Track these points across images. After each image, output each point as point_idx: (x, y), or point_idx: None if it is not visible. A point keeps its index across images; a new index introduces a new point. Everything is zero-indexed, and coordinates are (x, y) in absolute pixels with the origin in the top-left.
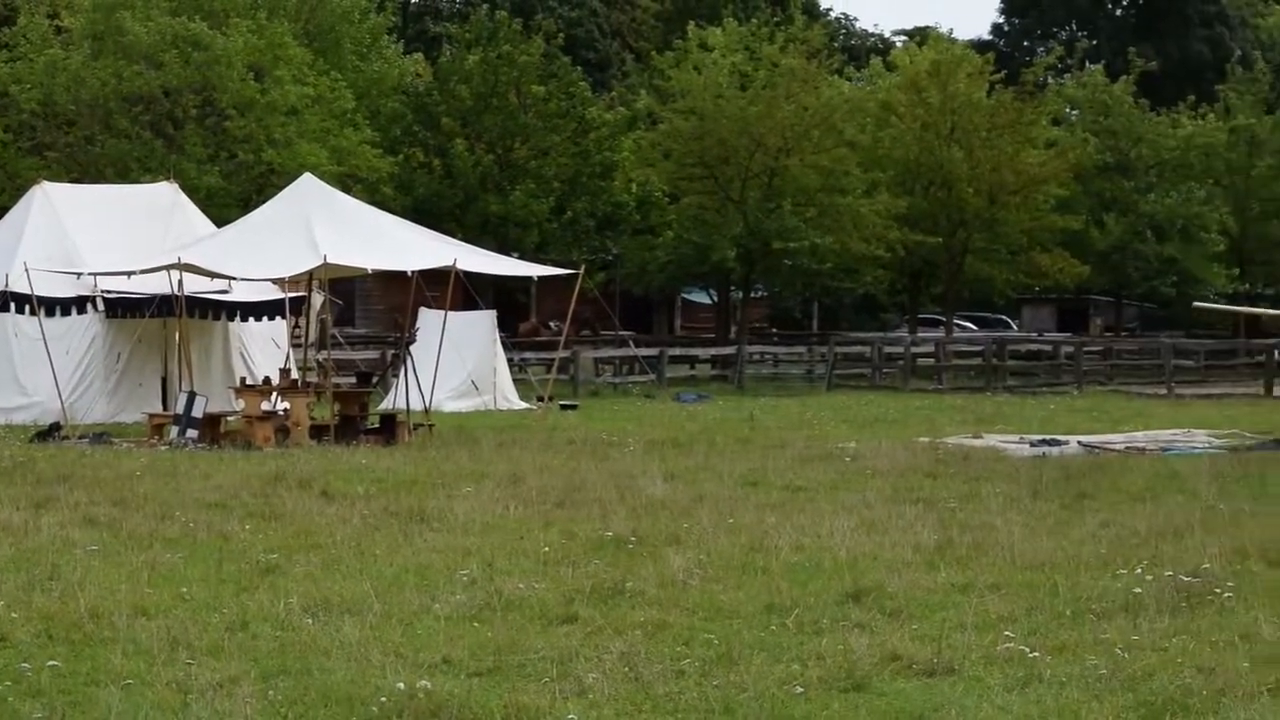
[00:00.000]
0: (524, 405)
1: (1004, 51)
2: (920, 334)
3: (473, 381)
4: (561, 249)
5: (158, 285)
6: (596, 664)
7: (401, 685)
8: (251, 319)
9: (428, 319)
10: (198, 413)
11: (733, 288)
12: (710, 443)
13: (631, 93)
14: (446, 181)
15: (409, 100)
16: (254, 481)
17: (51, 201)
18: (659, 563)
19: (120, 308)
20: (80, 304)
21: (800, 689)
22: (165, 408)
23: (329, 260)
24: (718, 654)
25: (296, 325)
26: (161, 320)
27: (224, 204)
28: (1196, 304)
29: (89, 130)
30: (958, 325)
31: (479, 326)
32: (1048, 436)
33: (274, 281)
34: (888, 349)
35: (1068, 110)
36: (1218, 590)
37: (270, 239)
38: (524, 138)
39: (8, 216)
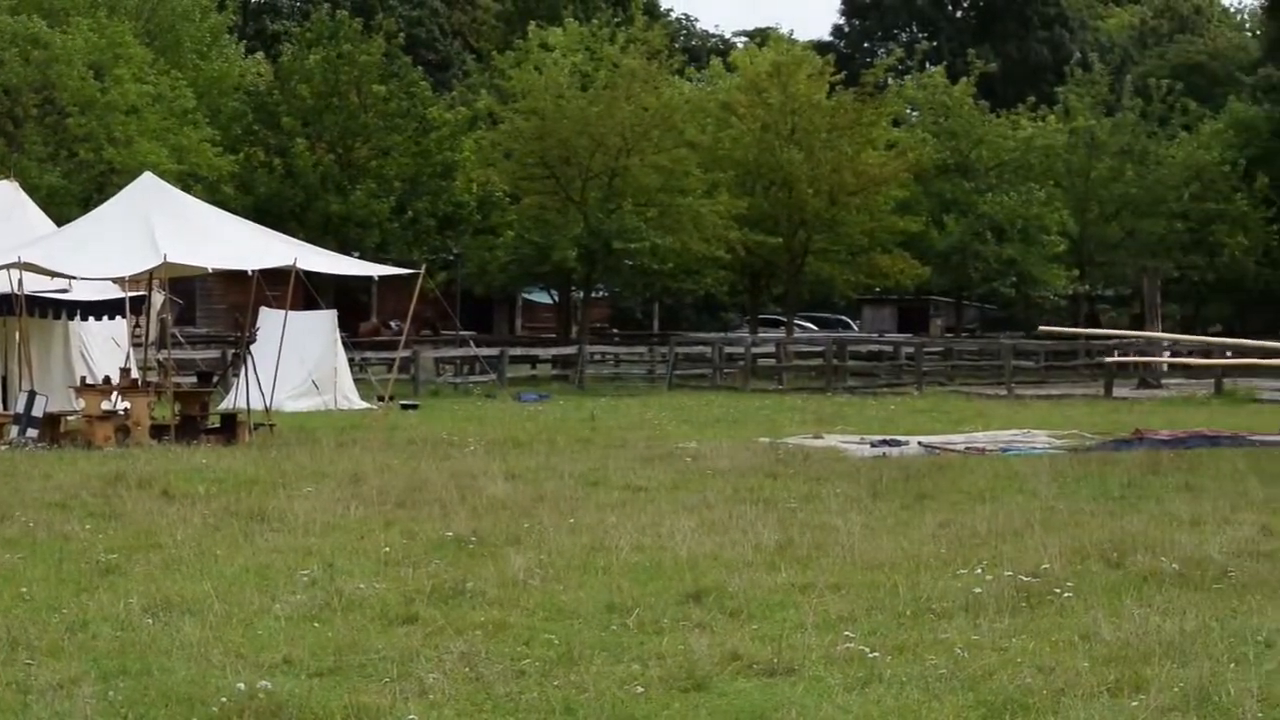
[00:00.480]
0: (365, 405)
1: (844, 53)
2: (761, 334)
3: (313, 381)
4: (402, 249)
5: None
6: (437, 664)
7: (242, 685)
8: (92, 318)
9: (268, 319)
10: (38, 412)
11: (574, 288)
12: (551, 442)
13: (472, 92)
14: (287, 181)
15: (250, 99)
16: (94, 481)
17: None
18: (500, 563)
19: None
20: None
21: (641, 689)
22: (5, 407)
23: (169, 259)
24: (558, 654)
25: (137, 324)
26: (1, 319)
27: (65, 203)
28: (1042, 328)
29: None
30: (798, 326)
31: (320, 326)
32: (888, 437)
33: (114, 281)
34: (728, 349)
35: (908, 111)
36: (1057, 590)
37: (111, 238)
38: (365, 137)
39: None
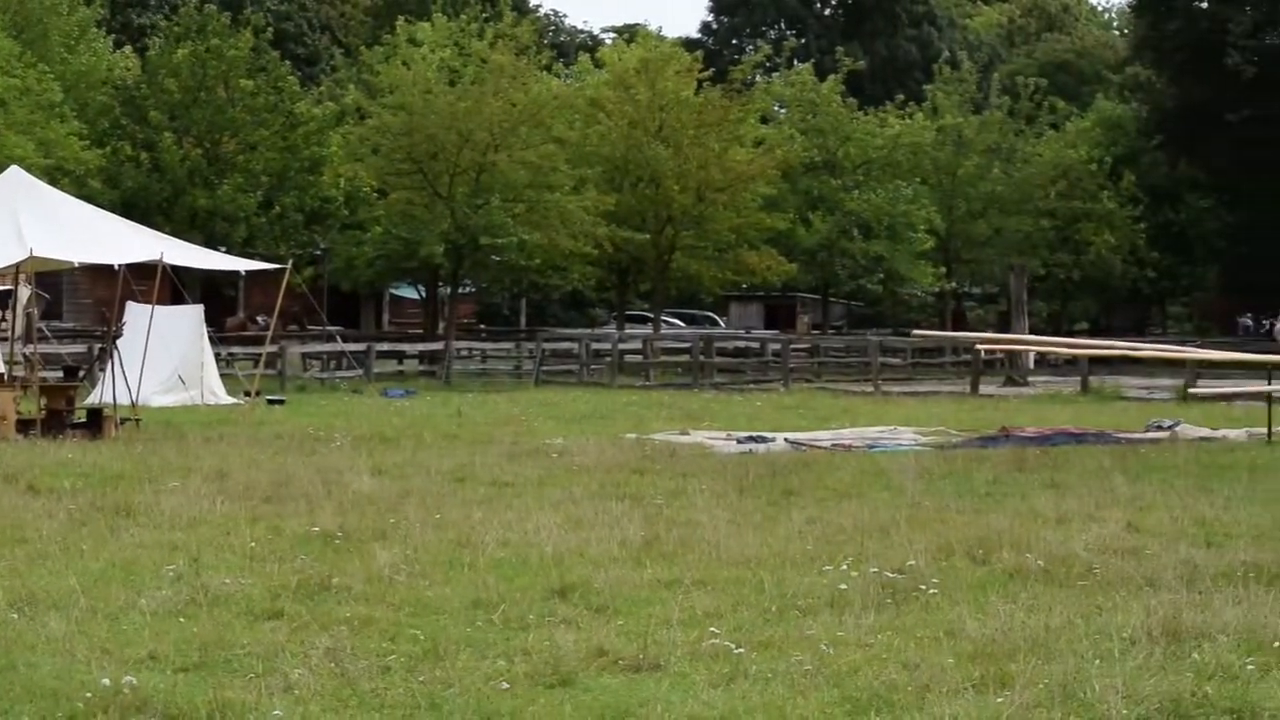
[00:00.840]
0: (231, 400)
1: (713, 50)
2: (628, 331)
3: (180, 376)
4: (269, 244)
5: None
6: (302, 660)
7: (107, 681)
8: None
9: (135, 313)
10: None
11: (441, 284)
12: (418, 438)
13: (340, 88)
14: (154, 175)
15: (117, 93)
16: None
17: None
18: (366, 558)
19: None
20: None
21: (506, 685)
22: None
23: (35, 253)
24: (424, 650)
25: (2, 319)
26: None
27: None
28: (916, 332)
29: None
30: (665, 322)
31: (186, 321)
32: (755, 434)
33: None
34: (595, 346)
35: (776, 109)
36: (923, 586)
37: None
38: (232, 132)
39: None
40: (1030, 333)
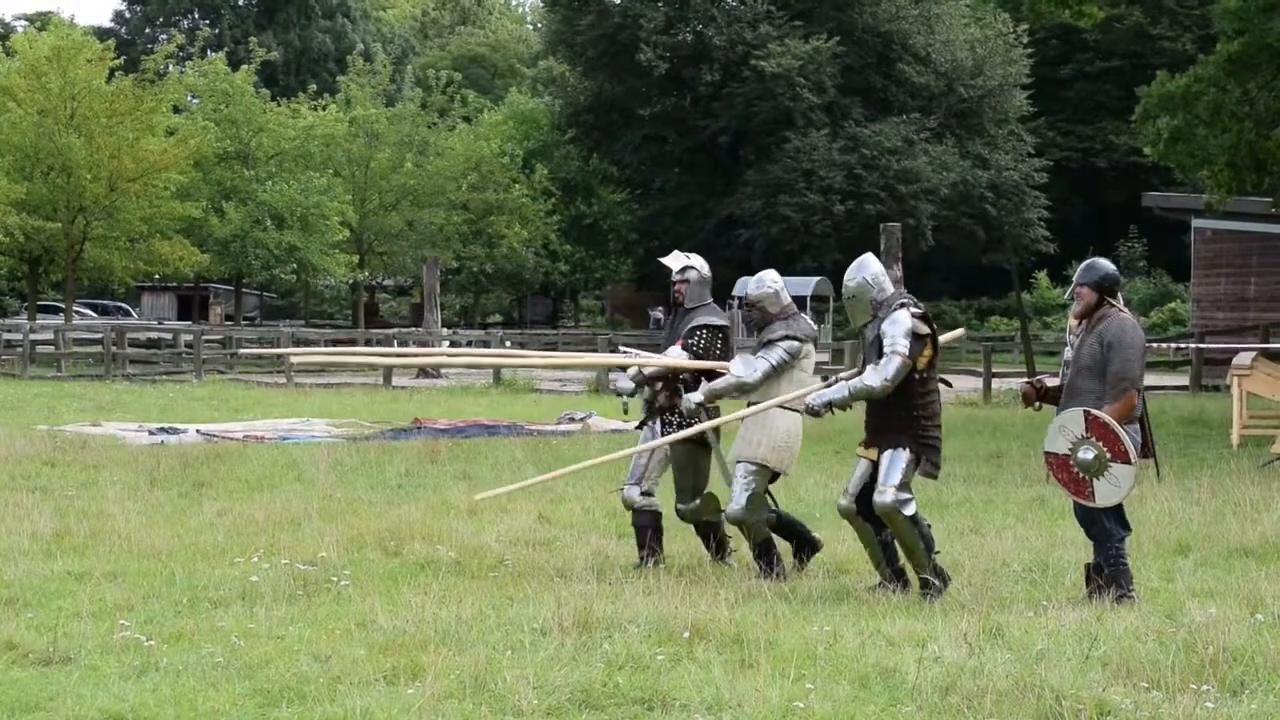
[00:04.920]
0: None
1: (126, 39)
2: (40, 321)
3: None
4: None
5: None
6: None
7: None
8: None
9: None
10: None
11: None
12: None
13: None
14: None
15: None
16: None
17: None
18: None
19: None
20: None
21: None
22: None
23: None
24: None
25: None
26: None
27: None
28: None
29: None
30: (77, 313)
31: None
32: (167, 425)
33: None
34: (7, 336)
35: (189, 99)
36: (335, 578)
37: None
38: None
39: None
40: (443, 325)
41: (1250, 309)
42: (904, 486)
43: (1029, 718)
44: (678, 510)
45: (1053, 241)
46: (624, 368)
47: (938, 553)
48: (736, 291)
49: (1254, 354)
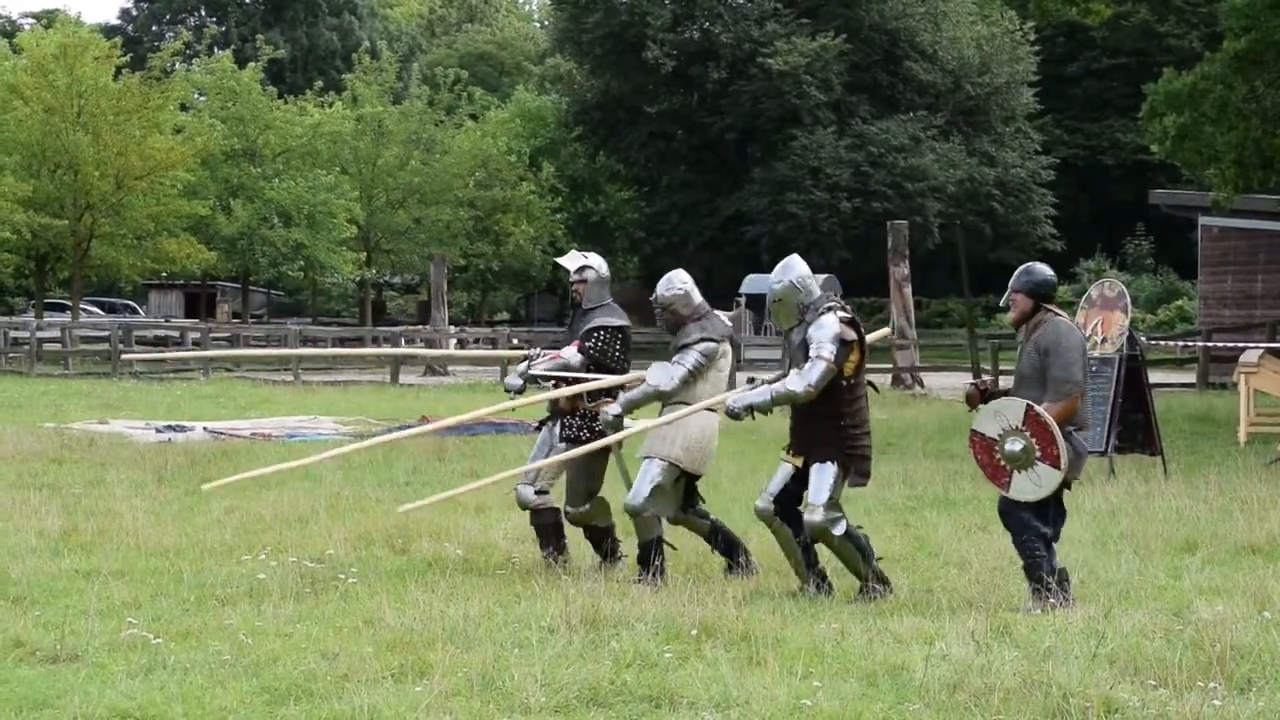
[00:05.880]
0: None
1: (133, 36)
2: (47, 319)
3: None
4: None
5: None
6: None
7: None
8: None
9: None
10: None
11: None
12: None
13: None
14: None
15: None
16: None
17: None
18: None
19: None
20: None
21: None
22: None
23: None
24: None
25: None
26: None
27: None
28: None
29: None
30: (84, 310)
31: None
32: (174, 423)
33: None
34: (13, 334)
35: (196, 96)
36: (342, 576)
37: None
38: None
39: None
40: (450, 323)
41: (1257, 306)
42: (833, 504)
43: (1037, 715)
44: (566, 513)
45: (1060, 239)
46: (517, 363)
47: (880, 559)
48: (743, 290)
49: (1261, 351)
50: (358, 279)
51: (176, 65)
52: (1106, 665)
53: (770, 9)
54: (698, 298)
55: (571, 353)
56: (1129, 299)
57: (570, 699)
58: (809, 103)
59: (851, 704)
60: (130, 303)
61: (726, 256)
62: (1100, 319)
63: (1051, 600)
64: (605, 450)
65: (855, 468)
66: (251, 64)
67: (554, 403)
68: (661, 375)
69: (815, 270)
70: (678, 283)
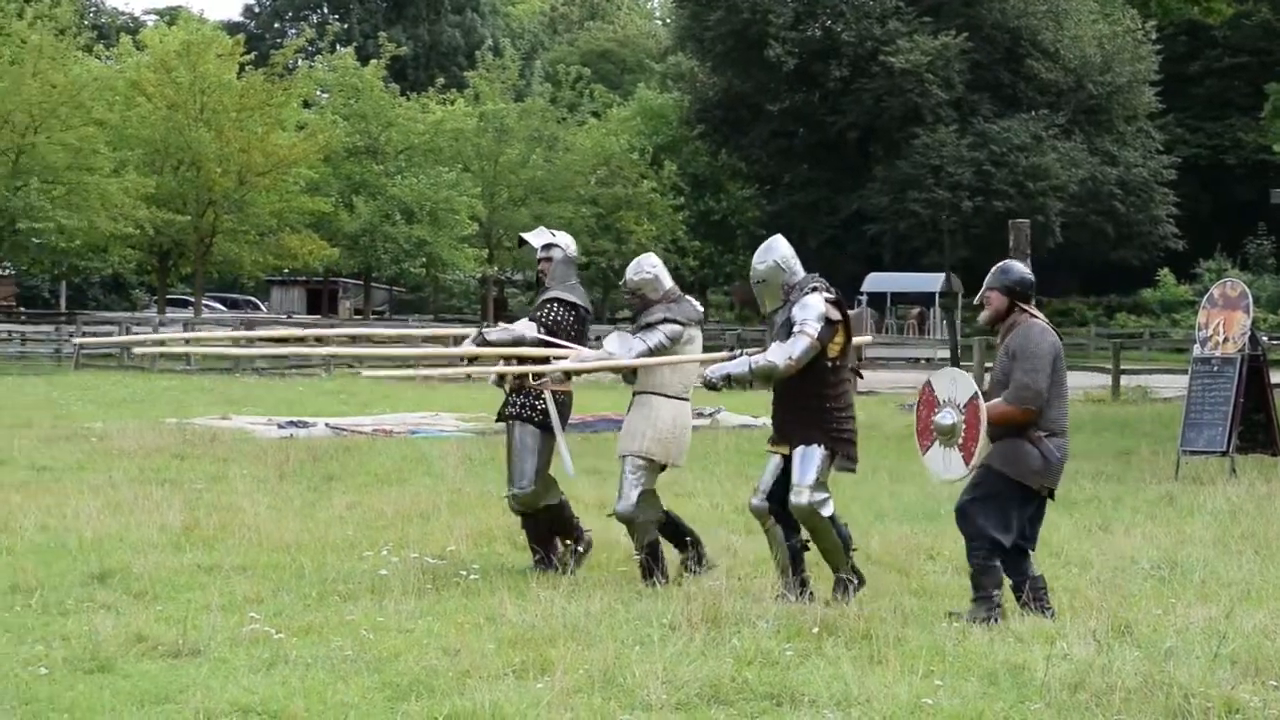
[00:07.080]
0: None
1: (255, 33)
2: (169, 314)
3: None
4: None
5: None
6: None
7: None
8: None
9: None
10: None
11: None
12: None
13: None
14: None
15: None
16: None
17: None
18: None
19: None
20: None
21: (45, 670)
22: None
23: None
24: None
25: None
26: None
27: None
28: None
29: None
30: (207, 306)
31: None
32: (296, 419)
33: None
34: (136, 329)
35: (318, 93)
36: (463, 572)
37: None
38: None
39: None
40: None
41: None
42: (820, 486)
43: (1158, 715)
44: (512, 497)
45: (1181, 239)
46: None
47: (855, 550)
48: (865, 288)
49: None
50: (479, 276)
51: (299, 62)
52: (1228, 665)
53: (892, 7)
54: (668, 282)
55: (525, 324)
56: (1251, 299)
57: (691, 696)
58: (930, 101)
59: (972, 703)
60: (252, 299)
61: (848, 254)
62: (1222, 319)
63: (989, 615)
64: (550, 432)
65: (842, 452)
66: (374, 61)
67: (501, 378)
68: (619, 345)
69: (936, 269)
70: (647, 266)
